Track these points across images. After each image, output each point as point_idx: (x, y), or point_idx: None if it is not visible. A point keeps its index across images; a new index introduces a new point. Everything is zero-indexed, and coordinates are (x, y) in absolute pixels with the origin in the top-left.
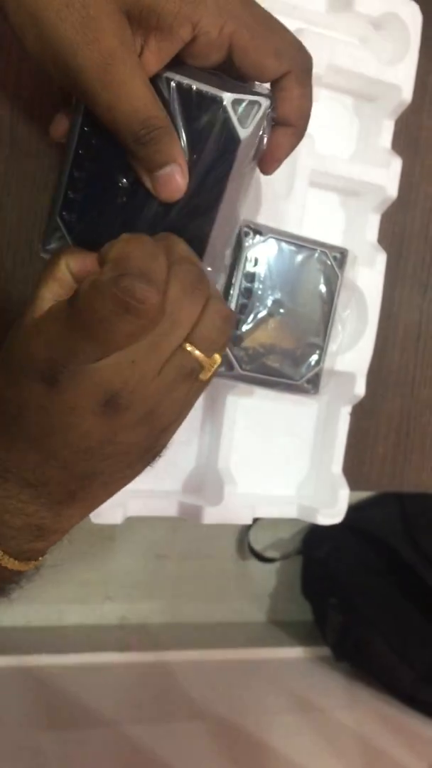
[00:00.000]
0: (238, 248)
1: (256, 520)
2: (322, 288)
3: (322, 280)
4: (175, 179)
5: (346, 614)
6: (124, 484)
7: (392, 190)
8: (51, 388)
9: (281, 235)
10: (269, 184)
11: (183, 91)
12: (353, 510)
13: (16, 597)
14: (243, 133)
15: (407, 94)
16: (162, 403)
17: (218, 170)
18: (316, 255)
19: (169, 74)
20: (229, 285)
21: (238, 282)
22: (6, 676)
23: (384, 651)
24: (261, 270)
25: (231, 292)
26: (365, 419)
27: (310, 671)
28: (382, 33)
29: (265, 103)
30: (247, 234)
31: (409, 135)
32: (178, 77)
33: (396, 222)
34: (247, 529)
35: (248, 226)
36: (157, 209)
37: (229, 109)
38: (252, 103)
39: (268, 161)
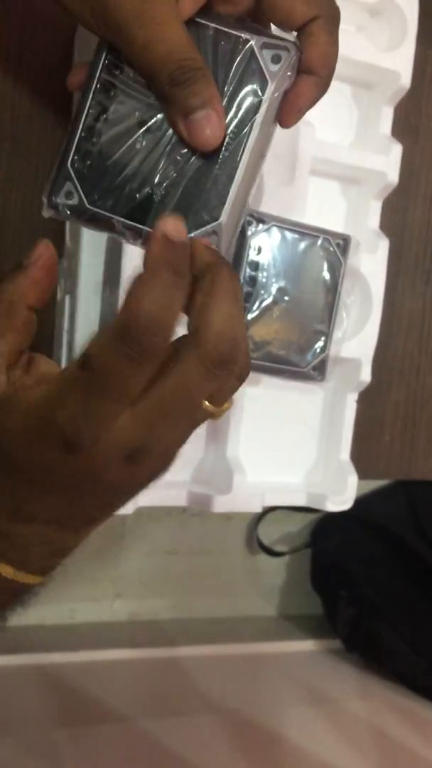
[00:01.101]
0: (242, 237)
1: (264, 513)
2: (326, 275)
3: (325, 267)
4: (211, 124)
5: (356, 606)
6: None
7: (393, 177)
8: (75, 455)
9: (284, 223)
10: (271, 173)
11: (213, 34)
12: (361, 502)
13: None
14: (271, 77)
15: (406, 80)
16: (176, 444)
17: (244, 118)
18: (319, 242)
19: (198, 18)
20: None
21: (243, 271)
22: (19, 674)
23: (395, 641)
24: (265, 258)
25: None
26: (371, 408)
27: (321, 663)
28: (378, 20)
29: (293, 50)
30: (250, 223)
31: (409, 122)
32: (207, 21)
33: (398, 209)
34: (255, 523)
35: (251, 215)
36: (176, 160)
37: (258, 52)
38: (281, 48)
39: (288, 111)
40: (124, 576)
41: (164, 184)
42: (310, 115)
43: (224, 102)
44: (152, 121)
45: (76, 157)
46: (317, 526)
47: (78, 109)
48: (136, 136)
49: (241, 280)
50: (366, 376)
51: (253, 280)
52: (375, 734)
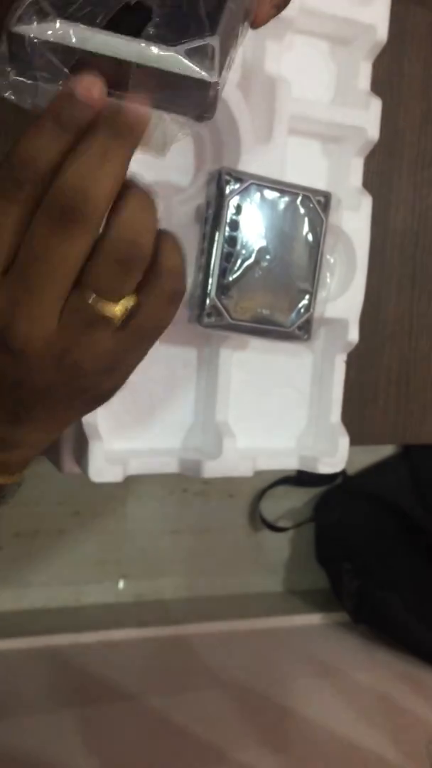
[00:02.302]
0: (220, 197)
1: (266, 490)
2: (308, 233)
3: (306, 225)
4: None
5: (361, 578)
6: (74, 416)
7: (373, 132)
8: (11, 357)
9: (262, 181)
10: (248, 132)
11: None
12: (362, 475)
13: (34, 581)
14: None
15: (382, 33)
16: (74, 350)
17: None
18: (299, 199)
19: None
20: (213, 235)
21: (222, 231)
22: (27, 657)
23: (401, 611)
24: (244, 218)
25: (215, 241)
26: (364, 373)
27: (328, 636)
28: None
29: None
30: (228, 181)
31: (391, 83)
32: None
33: (383, 171)
34: (257, 500)
35: (229, 174)
36: None
37: None
38: None
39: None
40: (128, 557)
41: None
42: (287, 72)
43: None
44: None
45: None
46: (320, 501)
47: None
48: None
49: (222, 240)
50: (353, 336)
51: (233, 241)
52: (383, 703)
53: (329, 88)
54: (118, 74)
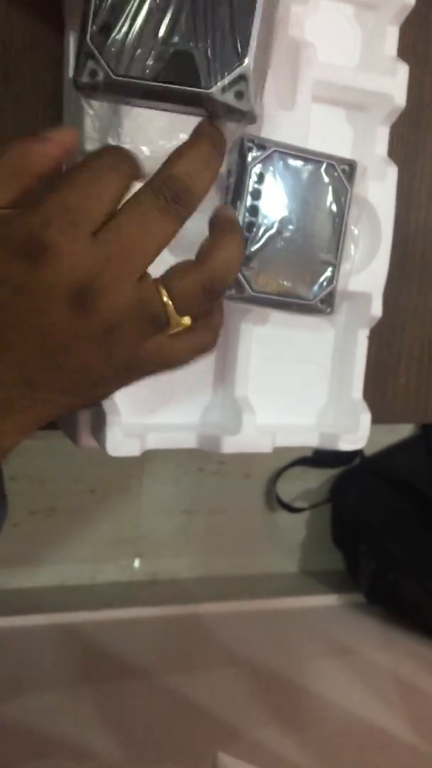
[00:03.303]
0: (242, 164)
1: (282, 470)
2: (332, 202)
3: (330, 195)
4: None
5: (377, 559)
6: (56, 412)
7: (400, 99)
8: (32, 265)
9: (285, 148)
10: (271, 98)
11: None
12: (380, 456)
13: (49, 558)
14: None
15: None
16: (120, 330)
17: None
18: (324, 168)
19: None
20: (234, 204)
21: (244, 200)
22: (42, 634)
23: (417, 592)
24: (266, 186)
25: (237, 211)
26: (385, 350)
27: (344, 617)
28: None
29: None
30: (249, 149)
31: (418, 52)
32: None
33: (409, 142)
34: (274, 480)
35: (251, 141)
36: (194, 8)
37: None
38: None
39: None
40: (144, 536)
41: (185, 39)
42: (312, 36)
43: None
44: None
45: (94, 31)
46: (336, 482)
47: None
48: None
49: (244, 209)
50: (377, 310)
51: (254, 210)
52: (399, 683)
53: (354, 53)
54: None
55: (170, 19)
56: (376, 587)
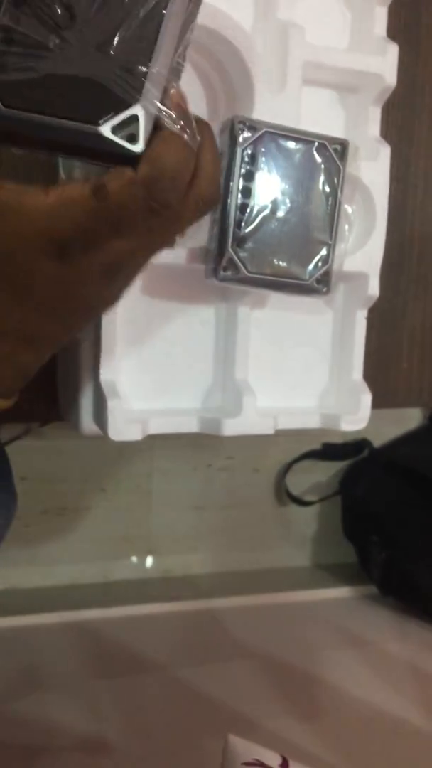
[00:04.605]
0: (233, 145)
1: (291, 464)
2: (324, 182)
3: (323, 174)
4: None
5: (389, 550)
6: (61, 335)
7: (391, 79)
8: (63, 264)
9: (277, 129)
10: (261, 80)
11: None
12: (389, 447)
13: (61, 557)
14: None
15: None
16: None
17: None
18: (315, 147)
19: None
20: (227, 185)
21: (236, 181)
22: (56, 631)
23: (430, 582)
24: (259, 167)
25: (230, 192)
26: (387, 334)
27: (357, 608)
28: None
29: None
30: (241, 130)
31: (410, 36)
32: None
33: (403, 127)
34: (283, 474)
35: (242, 122)
36: (96, 47)
37: None
38: None
39: None
40: (155, 533)
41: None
42: (300, 18)
43: None
44: None
45: None
46: (346, 474)
47: None
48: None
49: (236, 190)
50: (374, 290)
51: (247, 191)
52: (413, 673)
53: (344, 34)
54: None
55: (70, 56)
56: (389, 578)
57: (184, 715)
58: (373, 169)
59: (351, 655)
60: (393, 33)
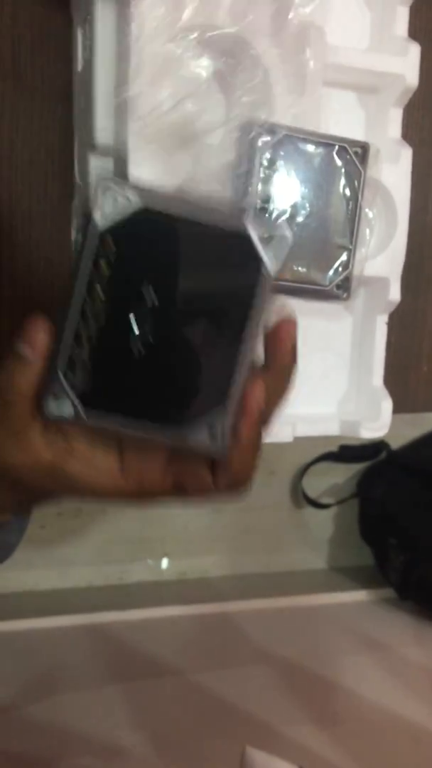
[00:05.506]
0: (251, 150)
1: (307, 466)
2: (345, 186)
3: (343, 178)
4: None
5: (407, 553)
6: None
7: (412, 79)
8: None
9: (296, 133)
10: (281, 83)
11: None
12: (407, 449)
13: (77, 560)
14: (271, 265)
15: None
16: None
17: (243, 310)
18: (336, 151)
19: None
20: (245, 190)
21: (255, 185)
22: (72, 633)
23: None
24: (278, 171)
25: (249, 196)
26: (406, 337)
27: (374, 612)
28: None
29: (289, 236)
30: (259, 134)
31: (429, 30)
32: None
33: (423, 127)
34: (299, 477)
35: (260, 126)
36: (175, 361)
37: (256, 242)
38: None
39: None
40: (171, 536)
41: (165, 385)
42: (320, 18)
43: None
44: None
45: (69, 370)
46: (363, 476)
47: (64, 315)
48: (132, 337)
49: (255, 195)
50: (395, 295)
51: (266, 195)
52: (431, 677)
53: (364, 35)
54: None
55: (150, 366)
56: (407, 581)
57: (201, 720)
58: (394, 171)
59: (368, 660)
60: (416, 30)
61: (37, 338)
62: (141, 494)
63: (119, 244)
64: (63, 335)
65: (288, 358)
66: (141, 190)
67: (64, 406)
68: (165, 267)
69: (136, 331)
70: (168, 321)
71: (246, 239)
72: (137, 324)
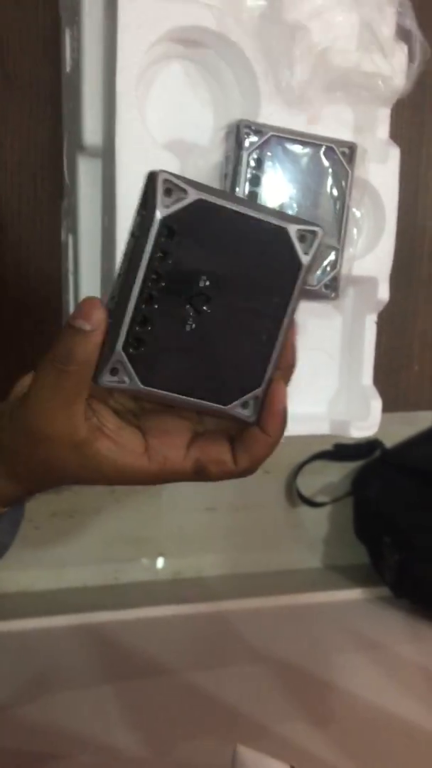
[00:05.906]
0: (238, 150)
1: (302, 465)
2: (333, 186)
3: (331, 178)
4: None
5: (401, 552)
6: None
7: (399, 80)
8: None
9: (283, 133)
10: (267, 83)
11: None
12: (401, 448)
13: (71, 560)
14: (305, 259)
15: None
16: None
17: (280, 298)
18: (323, 151)
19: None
20: (233, 189)
21: (242, 186)
22: (67, 633)
23: None
24: (265, 172)
25: None
26: (397, 338)
27: (369, 611)
28: None
29: (320, 231)
30: (247, 134)
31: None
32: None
33: (413, 125)
34: (294, 475)
35: (247, 126)
36: (224, 338)
37: (293, 237)
38: (311, 232)
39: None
40: (165, 535)
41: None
42: (306, 19)
43: (257, 285)
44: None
45: (129, 347)
46: (358, 475)
47: (124, 292)
48: (184, 314)
49: (242, 195)
50: (384, 294)
51: (253, 196)
52: (427, 676)
53: (352, 36)
54: None
55: (200, 341)
56: (402, 580)
57: (195, 719)
58: (382, 171)
59: (363, 659)
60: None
61: (94, 313)
62: (162, 475)
63: (177, 232)
64: (124, 313)
65: (290, 358)
66: (196, 184)
67: (122, 375)
68: (217, 254)
69: (190, 313)
70: (218, 304)
71: (285, 233)
72: (191, 305)
